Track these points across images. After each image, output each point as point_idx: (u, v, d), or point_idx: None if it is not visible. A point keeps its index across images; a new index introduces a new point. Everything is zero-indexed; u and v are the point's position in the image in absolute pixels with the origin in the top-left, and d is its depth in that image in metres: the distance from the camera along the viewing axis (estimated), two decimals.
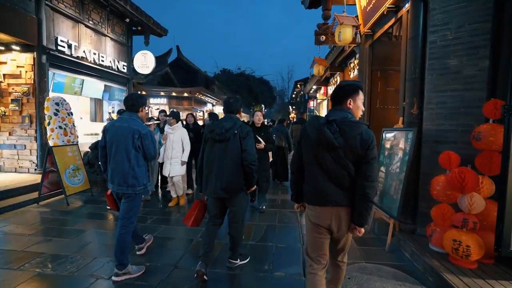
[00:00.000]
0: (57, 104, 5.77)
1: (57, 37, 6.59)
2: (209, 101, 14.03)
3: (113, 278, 2.54)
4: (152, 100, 12.00)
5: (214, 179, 2.53)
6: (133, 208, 2.61)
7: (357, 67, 7.94)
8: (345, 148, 1.69)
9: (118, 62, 9.28)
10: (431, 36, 3.11)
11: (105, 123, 9.76)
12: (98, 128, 9.77)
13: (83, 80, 8.61)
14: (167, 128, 4.75)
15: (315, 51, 13.15)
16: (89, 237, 3.60)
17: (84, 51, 7.56)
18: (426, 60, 3.17)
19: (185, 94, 11.63)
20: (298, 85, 25.44)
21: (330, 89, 12.38)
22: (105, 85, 10.01)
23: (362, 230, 1.77)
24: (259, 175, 3.92)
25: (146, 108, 3.20)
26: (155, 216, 4.39)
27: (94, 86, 9.62)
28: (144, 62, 9.93)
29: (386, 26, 4.47)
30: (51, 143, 5.61)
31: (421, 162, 3.22)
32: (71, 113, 6.15)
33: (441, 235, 2.69)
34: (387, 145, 3.57)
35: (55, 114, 5.69)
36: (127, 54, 9.89)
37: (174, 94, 11.74)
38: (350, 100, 1.82)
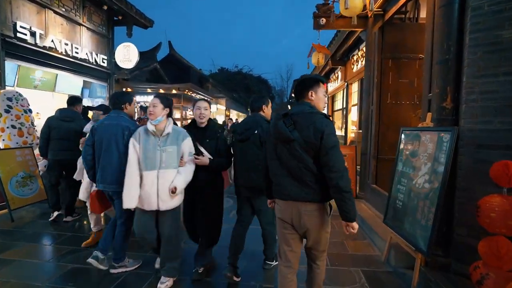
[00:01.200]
0: (9, 99, 4.89)
1: (15, 23, 5.71)
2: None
3: (111, 270, 2.66)
4: (138, 98, 11.12)
5: (241, 179, 2.54)
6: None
7: (361, 60, 7.07)
8: (300, 141, 1.69)
9: (97, 55, 8.39)
10: (474, 0, 2.24)
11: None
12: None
13: (57, 74, 7.74)
14: (88, 126, 3.36)
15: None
16: (12, 272, 2.72)
17: (52, 41, 6.67)
18: (466, 33, 2.31)
19: (174, 91, 10.76)
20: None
21: (331, 86, 11.51)
22: (84, 81, 9.15)
23: (355, 225, 1.75)
24: (187, 222, 2.82)
25: (132, 105, 2.83)
26: None
27: (71, 82, 8.73)
28: (127, 55, 9.05)
29: (401, 1, 3.61)
30: (1, 145, 4.73)
31: (457, 173, 2.36)
32: (30, 110, 5.27)
33: (500, 284, 1.82)
34: (408, 150, 2.70)
35: (7, 111, 4.81)
36: (108, 46, 9.01)
37: (161, 91, 10.87)
38: (312, 92, 1.83)
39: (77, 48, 7.55)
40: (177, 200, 2.42)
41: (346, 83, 8.83)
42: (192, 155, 2.46)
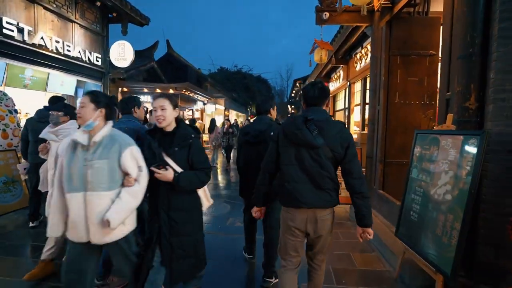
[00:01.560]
0: None
1: (1, 18, 5.41)
2: (199, 98, 12.86)
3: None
4: None
5: (252, 183, 2.24)
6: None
7: (365, 58, 6.77)
8: (325, 148, 1.71)
9: (91, 53, 8.10)
10: None
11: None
12: None
13: (48, 73, 7.45)
14: (46, 131, 2.95)
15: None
16: None
17: (42, 38, 6.38)
18: (495, 22, 2.01)
19: (171, 91, 10.46)
20: (298, 84, 24.35)
21: (332, 86, 11.22)
22: (78, 80, 8.86)
23: (370, 230, 1.79)
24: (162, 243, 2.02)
25: (141, 108, 2.76)
26: None
27: (64, 81, 8.44)
28: (122, 54, 8.75)
29: None
30: None
31: (482, 183, 2.07)
32: (15, 111, 4.98)
33: None
34: (424, 156, 2.40)
35: None
36: (102, 45, 8.72)
37: (158, 90, 10.57)
38: (328, 102, 1.91)
39: (69, 46, 7.26)
40: (118, 233, 1.82)
41: (348, 83, 8.54)
42: (143, 169, 1.85)
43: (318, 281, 1.97)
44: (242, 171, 2.62)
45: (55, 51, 6.81)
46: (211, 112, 15.65)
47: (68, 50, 7.23)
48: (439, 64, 4.83)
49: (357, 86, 8.26)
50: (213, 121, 9.64)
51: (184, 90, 10.42)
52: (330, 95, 11.91)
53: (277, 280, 2.52)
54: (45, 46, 6.50)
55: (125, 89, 10.68)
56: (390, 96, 4.11)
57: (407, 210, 2.49)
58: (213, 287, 2.52)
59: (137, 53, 12.29)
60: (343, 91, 9.91)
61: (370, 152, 4.50)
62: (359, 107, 8.09)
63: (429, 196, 2.21)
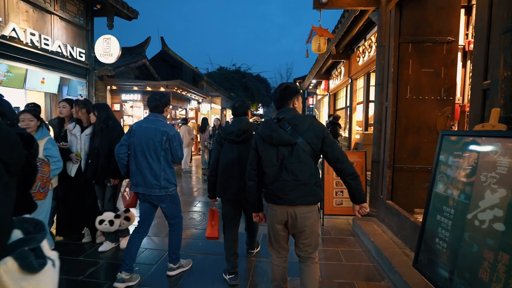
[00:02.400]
0: None
1: None
2: (193, 97, 12.26)
3: (168, 273, 2.65)
4: (124, 96, 10.25)
5: (235, 182, 2.46)
6: (177, 205, 2.68)
7: (369, 50, 6.18)
8: (303, 144, 1.79)
9: (73, 48, 7.53)
10: None
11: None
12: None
13: (26, 69, 6.89)
14: None
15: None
16: None
17: (14, 30, 5.80)
18: None
19: (162, 89, 9.87)
20: (298, 83, 23.92)
21: (332, 83, 10.62)
22: (62, 78, 8.29)
23: (366, 205, 1.91)
24: None
25: (169, 107, 2.72)
26: None
27: (46, 78, 7.87)
28: (107, 49, 8.16)
29: None
30: None
31: None
32: None
33: None
34: (455, 165, 1.81)
35: None
36: (87, 39, 8.14)
37: (149, 89, 10.00)
38: (295, 100, 1.96)
39: (47, 40, 6.68)
40: None
41: (350, 79, 7.95)
42: None
43: (308, 273, 1.96)
44: (224, 171, 2.53)
45: (30, 44, 6.24)
46: (207, 111, 15.06)
47: (46, 44, 6.65)
48: (459, 52, 4.24)
49: (360, 83, 7.67)
50: (204, 120, 9.06)
51: (175, 88, 9.83)
52: (331, 93, 11.33)
53: (258, 249, 3.16)
54: (18, 38, 5.92)
55: (114, 87, 10.10)
56: (401, 90, 3.52)
57: (431, 235, 1.90)
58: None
59: (128, 50, 11.73)
60: (344, 88, 9.32)
61: (377, 155, 3.91)
62: (361, 105, 7.50)
63: (465, 221, 1.61)
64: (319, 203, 1.98)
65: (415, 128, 3.51)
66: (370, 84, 6.96)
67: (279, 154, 1.82)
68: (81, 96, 3.18)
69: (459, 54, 4.21)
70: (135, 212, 3.35)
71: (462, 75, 4.59)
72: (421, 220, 3.11)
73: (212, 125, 7.82)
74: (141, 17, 9.24)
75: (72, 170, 3.25)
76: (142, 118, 10.82)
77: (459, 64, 4.30)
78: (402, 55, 3.50)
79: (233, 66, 29.58)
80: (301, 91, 22.69)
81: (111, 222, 3.00)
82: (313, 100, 15.01)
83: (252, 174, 1.99)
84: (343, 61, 8.52)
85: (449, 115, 3.43)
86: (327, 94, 11.80)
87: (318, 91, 13.98)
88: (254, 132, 2.42)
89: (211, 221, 2.74)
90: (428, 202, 1.98)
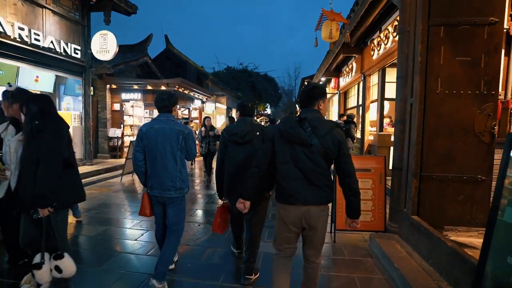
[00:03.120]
0: None
1: None
2: (197, 96, 11.78)
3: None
4: (124, 95, 9.85)
5: (240, 182, 2.31)
6: (182, 211, 2.58)
7: (385, 42, 5.55)
8: (319, 146, 1.78)
9: (67, 44, 7.13)
10: None
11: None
12: None
13: (18, 67, 6.53)
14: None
15: (325, 48, 10.41)
16: None
17: (0, 24, 5.42)
18: None
19: (163, 88, 9.43)
20: (306, 82, 23.29)
21: (343, 81, 9.98)
22: (58, 76, 7.94)
23: (358, 220, 1.96)
24: None
25: (178, 106, 2.55)
26: None
27: (41, 76, 7.52)
28: (104, 45, 7.77)
29: None
30: None
31: None
32: None
33: None
34: None
35: None
36: (83, 35, 7.75)
37: (149, 87, 9.57)
38: (321, 102, 1.93)
39: (38, 35, 6.28)
40: None
41: (363, 75, 7.32)
42: None
43: (312, 275, 2.01)
44: (229, 172, 2.56)
45: (19, 39, 5.85)
46: (212, 111, 14.60)
47: (37, 40, 6.26)
48: (505, 36, 3.59)
49: (374, 79, 7.03)
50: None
51: (177, 86, 9.37)
52: (341, 91, 10.70)
53: (256, 276, 2.68)
54: (5, 33, 5.54)
55: (113, 86, 9.72)
56: (430, 84, 2.92)
57: (500, 271, 1.32)
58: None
59: (129, 48, 11.37)
60: (356, 86, 8.68)
61: (398, 161, 3.32)
62: (375, 103, 6.87)
63: None
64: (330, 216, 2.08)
65: (447, 129, 2.91)
66: (385, 81, 6.34)
67: (294, 153, 1.84)
68: (10, 86, 2.32)
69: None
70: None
71: (505, 65, 3.94)
72: (454, 239, 2.55)
73: (202, 126, 7.01)
74: (147, 18, 8.94)
75: (1, 189, 2.33)
76: (142, 118, 10.12)
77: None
78: (432, 41, 2.90)
79: (240, 66, 29.06)
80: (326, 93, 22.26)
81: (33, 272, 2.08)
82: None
83: (261, 162, 1.97)
84: (355, 56, 7.89)
85: (491, 113, 2.81)
86: (336, 93, 11.16)
87: (327, 90, 13.33)
88: (258, 133, 2.50)
89: (217, 218, 2.72)
90: (490, 236, 1.40)
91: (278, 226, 1.97)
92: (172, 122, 2.45)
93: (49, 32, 6.62)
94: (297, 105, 31.93)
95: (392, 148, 6.41)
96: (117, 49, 7.79)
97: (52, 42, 6.64)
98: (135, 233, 3.68)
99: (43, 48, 6.46)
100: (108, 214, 4.43)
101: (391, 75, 6.58)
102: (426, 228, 2.71)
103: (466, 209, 2.93)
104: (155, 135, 2.39)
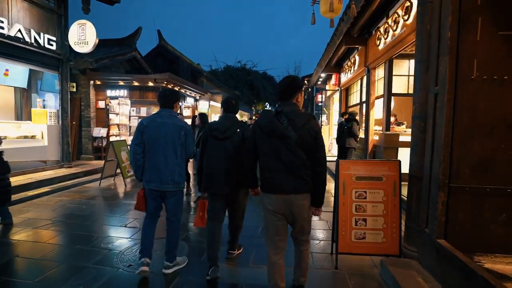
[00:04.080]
0: None
1: None
2: (188, 94, 11.07)
3: (164, 271, 2.58)
4: (109, 92, 9.15)
5: (220, 177, 2.52)
6: (179, 203, 2.67)
7: (393, 28, 4.85)
8: (296, 138, 1.87)
9: (39, 34, 6.43)
10: None
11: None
12: (28, 129, 6.98)
13: None
14: None
15: (325, 44, 8.73)
16: None
17: None
18: None
19: (150, 84, 8.74)
20: (305, 81, 22.62)
21: (344, 76, 9.28)
22: (33, 71, 7.25)
23: (321, 209, 2.07)
24: None
25: (179, 103, 2.75)
26: None
27: (12, 70, 6.84)
28: (82, 36, 7.06)
29: None
30: None
31: None
32: None
33: None
34: None
35: None
36: (59, 25, 7.05)
37: (136, 83, 8.88)
38: (299, 96, 2.04)
39: (2, 22, 5.59)
40: None
41: (367, 69, 6.62)
42: None
43: (304, 260, 2.16)
44: (208, 166, 2.60)
45: None
46: (207, 109, 13.91)
47: (1, 28, 5.56)
48: None
49: (379, 73, 6.33)
50: (202, 116, 7.75)
51: (165, 82, 8.67)
52: (342, 88, 10.00)
53: (239, 251, 2.99)
54: None
55: (98, 82, 9.03)
56: (462, 68, 2.23)
57: None
58: None
59: (117, 42, 10.67)
60: (359, 81, 7.98)
61: (418, 168, 2.62)
62: (381, 100, 6.17)
63: None
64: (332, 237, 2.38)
65: (485, 127, 2.22)
66: (393, 74, 5.64)
67: (274, 145, 1.93)
68: None
69: None
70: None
71: None
72: (490, 266, 1.87)
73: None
74: (146, 17, 8.12)
75: None
76: (129, 116, 9.12)
77: None
78: (465, 11, 2.20)
79: (238, 63, 28.35)
80: (309, 88, 21.46)
81: None
82: (322, 97, 13.61)
83: (247, 159, 2.14)
84: (358, 48, 7.19)
85: None
86: (338, 89, 10.45)
87: (327, 87, 12.63)
88: (238, 130, 2.54)
89: (199, 212, 2.70)
90: None
91: (265, 216, 2.07)
92: (174, 117, 2.54)
93: (16, 20, 5.93)
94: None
95: (399, 149, 5.78)
96: (97, 41, 7.09)
97: (20, 30, 5.95)
98: (92, 256, 2.97)
99: (9, 37, 5.76)
100: (68, 228, 3.73)
101: (400, 67, 5.88)
102: (463, 261, 2.00)
103: (510, 232, 2.23)
104: (156, 128, 2.46)
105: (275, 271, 2.02)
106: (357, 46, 6.78)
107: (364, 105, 7.03)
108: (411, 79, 5.69)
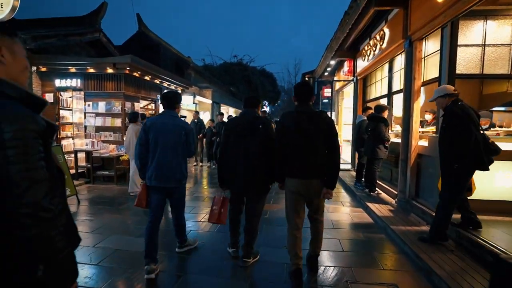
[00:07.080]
0: None
1: None
2: (166, 86, 8.96)
3: (177, 250, 3.05)
4: (58, 82, 7.06)
5: (240, 176, 2.68)
6: (182, 198, 2.95)
7: None
8: (317, 131, 2.39)
9: None
10: None
11: None
12: None
13: None
14: None
15: (325, 45, 8.38)
16: None
17: None
18: None
19: (109, 70, 6.64)
20: (306, 78, 20.60)
21: (362, 62, 7.14)
22: None
23: (332, 192, 2.47)
24: None
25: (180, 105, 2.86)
26: None
27: None
28: None
29: None
30: None
31: None
32: None
33: None
34: None
35: None
36: None
37: (92, 70, 6.78)
38: (312, 99, 2.54)
39: None
40: None
41: (407, 41, 4.49)
42: None
43: (318, 232, 2.67)
44: (230, 162, 2.73)
45: None
46: (195, 105, 11.78)
47: None
48: None
49: (430, 46, 4.23)
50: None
51: (127, 68, 6.53)
52: (358, 77, 7.86)
53: (255, 259, 2.96)
54: None
55: (43, 68, 6.93)
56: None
57: None
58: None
59: (73, 20, 8.51)
60: (386, 65, 5.88)
61: None
62: (431, 85, 4.06)
63: None
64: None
65: None
66: (459, 43, 3.56)
67: (297, 140, 2.40)
68: None
69: None
70: None
71: None
72: None
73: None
74: (147, 16, 6.00)
75: None
76: (83, 113, 6.53)
77: None
78: None
79: (234, 58, 26.18)
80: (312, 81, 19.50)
81: None
82: (331, 92, 11.42)
83: (279, 157, 2.54)
84: (388, 19, 5.07)
85: None
86: (352, 80, 8.32)
87: (337, 77, 10.51)
88: (261, 126, 2.69)
89: (220, 208, 2.80)
90: None
91: (286, 195, 2.57)
92: (175, 118, 2.77)
93: None
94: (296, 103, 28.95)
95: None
96: (18, 4, 4.98)
97: None
98: None
99: None
100: None
101: (468, 32, 3.78)
102: None
103: None
104: (161, 128, 2.65)
105: (295, 243, 2.49)
106: (392, 8, 4.66)
107: (402, 94, 4.89)
108: (505, 49, 3.63)
